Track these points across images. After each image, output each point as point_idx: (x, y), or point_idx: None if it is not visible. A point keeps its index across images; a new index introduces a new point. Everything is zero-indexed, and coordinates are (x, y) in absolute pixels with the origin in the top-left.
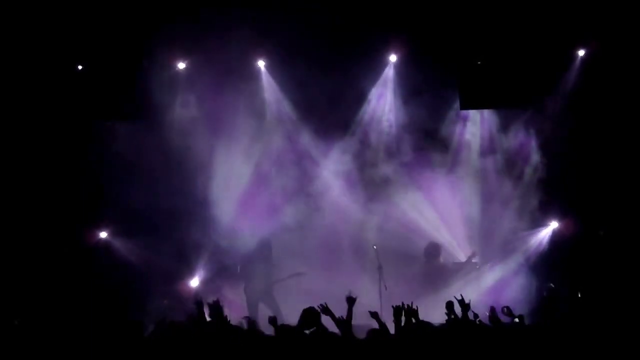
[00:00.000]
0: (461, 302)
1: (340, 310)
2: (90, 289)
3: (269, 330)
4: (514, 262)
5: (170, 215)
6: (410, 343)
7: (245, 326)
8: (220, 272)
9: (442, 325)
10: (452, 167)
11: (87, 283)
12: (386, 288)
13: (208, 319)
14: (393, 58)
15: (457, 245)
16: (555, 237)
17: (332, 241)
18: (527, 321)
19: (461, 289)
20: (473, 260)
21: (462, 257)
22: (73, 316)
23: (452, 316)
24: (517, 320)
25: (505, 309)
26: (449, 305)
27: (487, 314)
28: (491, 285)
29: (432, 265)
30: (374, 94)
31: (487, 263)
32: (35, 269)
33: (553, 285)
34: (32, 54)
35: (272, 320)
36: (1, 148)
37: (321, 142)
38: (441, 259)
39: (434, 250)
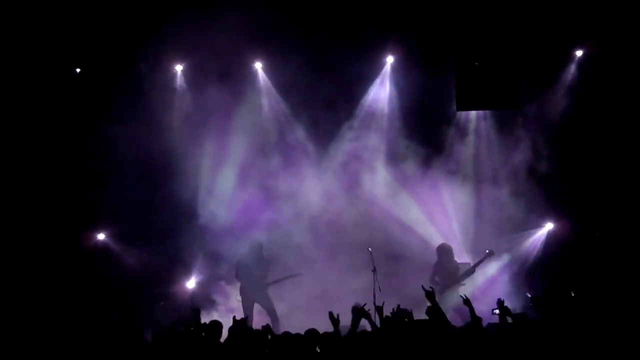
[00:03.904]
0: (467, 301)
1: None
2: (88, 290)
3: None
4: (507, 263)
5: (167, 218)
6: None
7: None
8: (216, 274)
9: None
10: (448, 168)
11: (85, 285)
12: (380, 290)
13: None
14: (390, 59)
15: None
16: (551, 239)
17: (327, 242)
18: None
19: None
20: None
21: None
22: (71, 318)
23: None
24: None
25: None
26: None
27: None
28: (483, 286)
29: (445, 264)
30: (371, 94)
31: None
32: (33, 271)
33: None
34: (31, 57)
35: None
36: None
37: (318, 142)
38: (454, 259)
39: (447, 249)
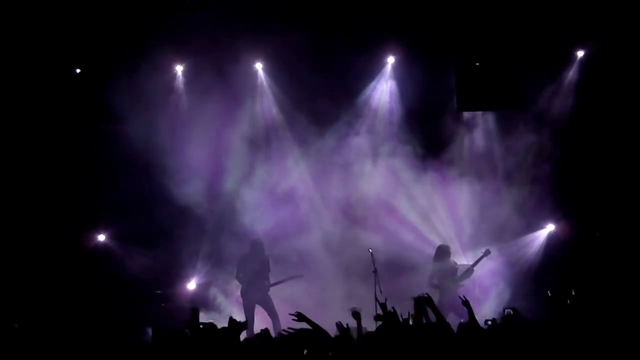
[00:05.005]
0: (465, 303)
1: (334, 313)
2: (88, 292)
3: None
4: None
5: (167, 218)
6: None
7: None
8: (217, 275)
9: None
10: (448, 168)
11: (85, 286)
12: (382, 291)
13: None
14: (391, 59)
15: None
16: (552, 240)
17: (327, 242)
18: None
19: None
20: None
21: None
22: (71, 319)
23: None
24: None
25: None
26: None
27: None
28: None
29: (443, 265)
30: (371, 94)
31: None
32: (33, 272)
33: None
34: (31, 57)
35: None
36: None
37: (318, 141)
38: (452, 260)
39: (445, 250)
